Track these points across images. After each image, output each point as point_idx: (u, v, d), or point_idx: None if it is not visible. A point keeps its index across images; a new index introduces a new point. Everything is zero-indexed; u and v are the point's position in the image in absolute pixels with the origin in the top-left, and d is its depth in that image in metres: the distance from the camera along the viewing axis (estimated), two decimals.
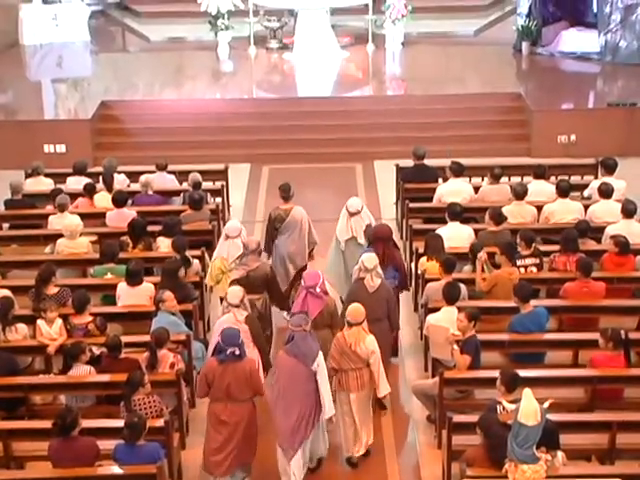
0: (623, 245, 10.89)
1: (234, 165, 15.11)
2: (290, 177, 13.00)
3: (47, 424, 8.47)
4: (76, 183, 13.43)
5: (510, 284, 10.26)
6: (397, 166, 14.22)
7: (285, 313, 11.11)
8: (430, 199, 12.94)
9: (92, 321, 9.99)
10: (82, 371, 9.35)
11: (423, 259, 11.16)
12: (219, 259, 10.90)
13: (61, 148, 16.59)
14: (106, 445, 8.31)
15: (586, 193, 12.94)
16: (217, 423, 8.82)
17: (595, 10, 19.43)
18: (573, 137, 16.62)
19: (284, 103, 17.84)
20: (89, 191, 12.96)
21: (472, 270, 10.92)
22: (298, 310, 9.43)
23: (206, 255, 11.78)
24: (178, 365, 9.47)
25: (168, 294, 9.95)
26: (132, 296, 10.54)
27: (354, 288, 9.92)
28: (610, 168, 12.87)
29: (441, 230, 11.44)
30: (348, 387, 9.13)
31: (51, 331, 9.88)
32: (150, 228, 11.97)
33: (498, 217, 11.46)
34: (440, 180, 13.42)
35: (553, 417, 8.19)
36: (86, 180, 13.32)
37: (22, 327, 10.00)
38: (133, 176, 13.82)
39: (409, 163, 13.81)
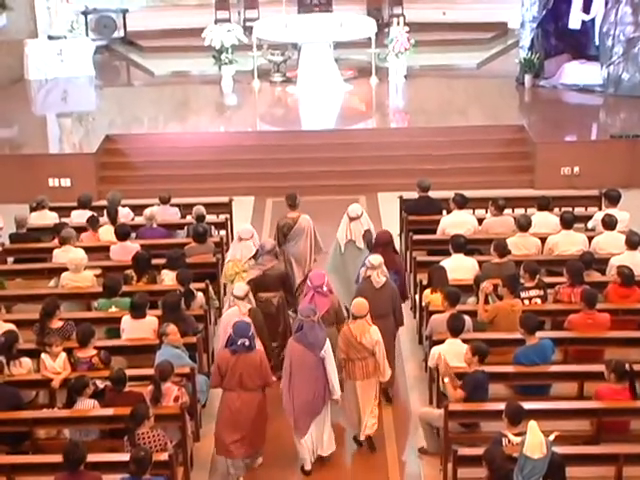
0: (627, 277, 10.87)
1: (238, 198, 15.15)
2: None
3: (51, 458, 8.46)
4: (80, 217, 13.45)
5: (512, 316, 10.26)
6: (401, 198, 14.25)
7: (291, 311, 11.57)
8: (434, 231, 12.95)
9: (96, 355, 9.98)
10: (86, 405, 9.33)
11: (427, 291, 11.17)
12: (233, 261, 11.54)
13: (66, 182, 16.64)
14: (111, 479, 8.28)
15: (590, 225, 12.94)
16: (230, 411, 9.38)
17: (597, 43, 19.50)
18: (576, 169, 16.64)
19: (288, 136, 17.91)
20: (92, 224, 12.99)
21: (476, 302, 10.90)
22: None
23: (210, 288, 11.78)
24: (182, 398, 9.45)
25: (172, 327, 9.95)
26: (136, 329, 10.54)
27: (361, 286, 10.58)
28: (614, 199, 12.88)
29: (445, 262, 11.45)
30: (355, 376, 9.75)
31: (55, 365, 9.87)
32: (154, 261, 11.98)
33: (502, 249, 11.46)
34: (444, 212, 13.44)
35: (559, 450, 8.15)
36: (90, 214, 13.35)
37: (26, 361, 10.00)
38: (137, 209, 13.85)
39: (413, 195, 13.83)
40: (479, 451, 8.29)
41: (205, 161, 17.22)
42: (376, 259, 10.59)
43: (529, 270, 10.95)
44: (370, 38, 20.35)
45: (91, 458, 8.34)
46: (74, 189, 15.92)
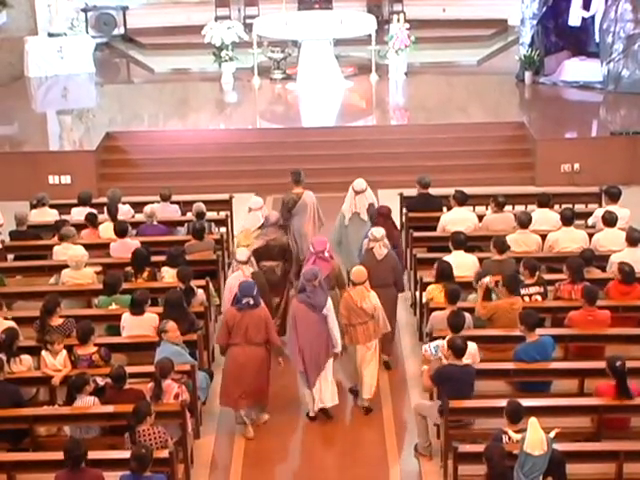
0: (627, 273, 10.86)
1: (238, 195, 15.15)
2: None
3: (52, 456, 8.45)
4: (80, 214, 13.44)
5: (512, 313, 10.27)
6: (401, 195, 14.25)
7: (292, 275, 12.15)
8: (434, 228, 12.94)
9: (96, 352, 9.98)
10: (86, 402, 9.33)
11: (431, 286, 11.14)
12: (244, 231, 12.16)
13: (66, 179, 16.64)
14: (111, 476, 8.28)
15: (590, 221, 12.93)
16: (235, 365, 9.99)
17: (597, 40, 19.49)
18: (577, 166, 16.64)
19: (288, 133, 17.91)
20: (91, 221, 12.99)
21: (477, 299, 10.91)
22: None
23: (210, 285, 11.79)
24: (182, 396, 9.44)
25: (171, 325, 9.95)
26: (136, 326, 10.54)
27: (365, 257, 11.20)
28: (614, 196, 12.87)
29: (445, 259, 11.44)
30: (357, 340, 10.37)
31: (56, 362, 9.86)
32: (155, 258, 11.98)
33: (501, 245, 11.46)
34: (444, 209, 13.43)
35: (559, 447, 8.15)
36: (91, 211, 13.35)
37: (27, 358, 10.00)
38: (138, 207, 13.85)
39: (413, 192, 13.83)
40: (480, 448, 8.29)
41: (206, 158, 17.21)
42: (379, 231, 11.20)
43: (529, 267, 10.94)
44: (370, 35, 20.35)
45: (92, 455, 8.35)
46: (74, 186, 15.91)
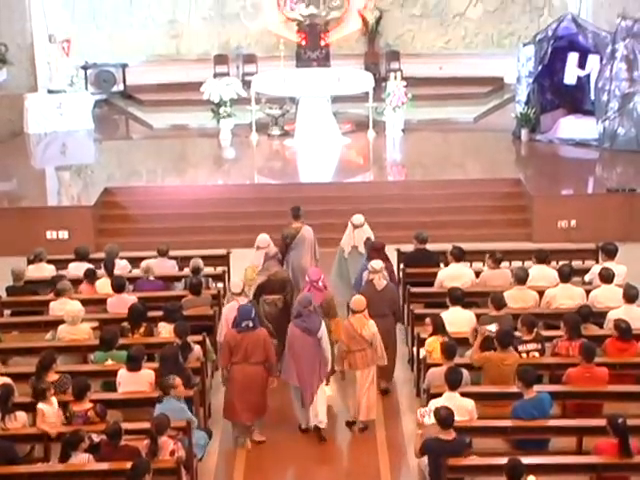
0: (624, 330, 10.84)
1: (236, 250, 15.17)
2: None
3: None
4: (78, 269, 13.45)
5: (502, 369, 10.25)
6: (398, 251, 14.27)
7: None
8: (431, 284, 12.94)
9: (92, 408, 9.91)
10: (81, 459, 9.24)
11: (431, 338, 11.11)
12: (251, 267, 12.72)
13: (64, 234, 16.66)
14: None
15: (587, 278, 12.94)
16: (237, 381, 10.67)
17: (593, 98, 19.69)
18: (573, 222, 16.70)
19: (285, 189, 17.97)
20: (89, 277, 12.98)
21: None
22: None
23: (207, 340, 11.75)
24: (178, 452, 9.37)
25: (179, 380, 9.89)
26: (132, 382, 10.49)
27: (365, 287, 11.78)
28: (611, 253, 12.90)
29: (442, 315, 11.43)
30: (356, 365, 10.94)
31: (51, 410, 9.79)
32: (151, 314, 11.96)
33: (498, 302, 11.45)
34: (441, 265, 13.45)
35: None
36: (88, 266, 13.35)
37: (21, 415, 9.91)
38: (135, 262, 13.87)
39: (410, 248, 13.85)
40: None
41: (203, 214, 17.27)
42: (377, 264, 11.83)
43: (527, 323, 10.93)
44: (367, 92, 20.53)
45: None
46: (72, 241, 15.90)
